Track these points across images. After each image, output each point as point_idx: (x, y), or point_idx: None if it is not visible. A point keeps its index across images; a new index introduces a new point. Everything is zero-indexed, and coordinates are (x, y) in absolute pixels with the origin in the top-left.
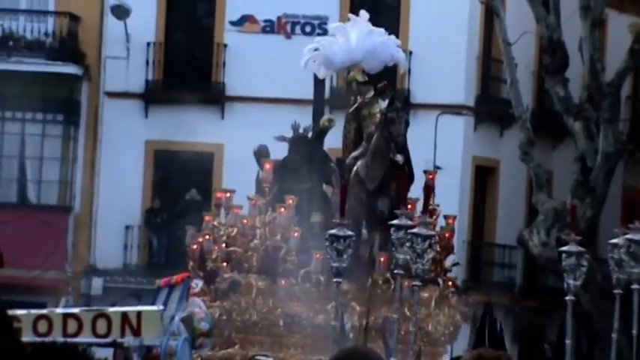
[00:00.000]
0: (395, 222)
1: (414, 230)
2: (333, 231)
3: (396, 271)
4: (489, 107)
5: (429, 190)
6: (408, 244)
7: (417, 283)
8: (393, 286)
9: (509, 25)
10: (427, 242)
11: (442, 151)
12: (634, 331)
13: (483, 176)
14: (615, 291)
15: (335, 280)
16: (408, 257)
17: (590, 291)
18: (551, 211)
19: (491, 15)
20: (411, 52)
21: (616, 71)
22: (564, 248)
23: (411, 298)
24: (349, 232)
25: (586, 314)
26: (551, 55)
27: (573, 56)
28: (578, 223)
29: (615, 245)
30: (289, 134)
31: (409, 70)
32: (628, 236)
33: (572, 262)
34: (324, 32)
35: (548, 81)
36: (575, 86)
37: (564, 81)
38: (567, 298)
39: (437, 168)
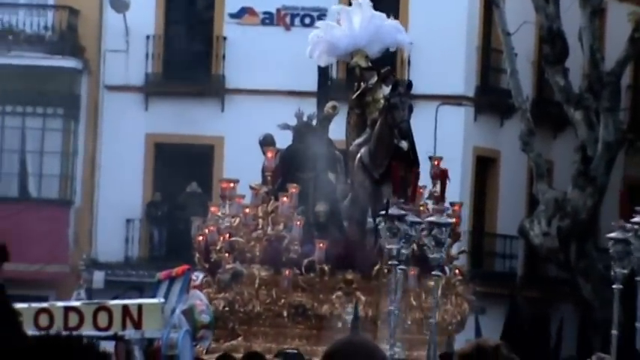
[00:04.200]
0: (387, 211)
1: (432, 219)
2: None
3: (390, 263)
4: (489, 97)
5: (443, 176)
6: (424, 233)
7: (437, 272)
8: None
9: (509, 15)
10: (446, 231)
11: (442, 141)
12: (638, 324)
13: (484, 166)
14: (614, 286)
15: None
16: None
17: (592, 281)
18: (552, 200)
19: (490, 5)
20: (410, 43)
21: (616, 60)
22: (611, 235)
23: (417, 287)
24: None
25: (587, 304)
26: (551, 44)
27: (573, 46)
28: (578, 212)
29: (614, 239)
30: (293, 123)
31: (409, 61)
32: (636, 219)
33: (620, 250)
34: None
35: (548, 71)
36: (575, 76)
37: (564, 71)
38: (615, 286)
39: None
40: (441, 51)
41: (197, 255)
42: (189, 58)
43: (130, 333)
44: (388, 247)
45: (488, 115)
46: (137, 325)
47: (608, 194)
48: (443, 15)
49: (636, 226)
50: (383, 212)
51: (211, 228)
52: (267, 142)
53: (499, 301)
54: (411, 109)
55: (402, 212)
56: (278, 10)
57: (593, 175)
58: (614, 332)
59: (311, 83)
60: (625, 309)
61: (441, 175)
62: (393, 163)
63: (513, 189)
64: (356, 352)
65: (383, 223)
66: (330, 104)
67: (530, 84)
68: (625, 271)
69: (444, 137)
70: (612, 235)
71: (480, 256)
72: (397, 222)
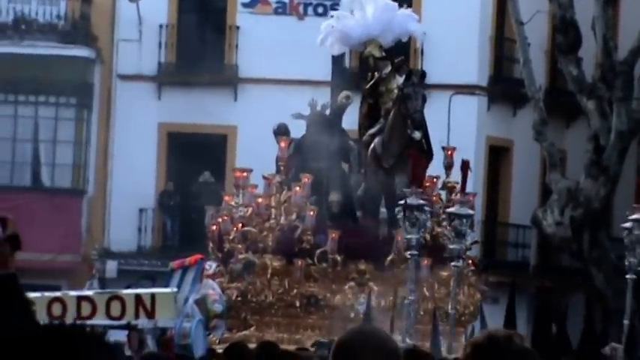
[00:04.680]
0: (404, 201)
1: (453, 209)
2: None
3: (409, 253)
4: (502, 87)
5: (465, 167)
6: (445, 223)
7: (457, 263)
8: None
9: (522, 4)
10: (467, 222)
11: (455, 131)
12: None
13: (497, 156)
14: (628, 276)
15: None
16: (419, 237)
17: (605, 270)
18: (565, 190)
19: None
20: (424, 33)
21: (629, 49)
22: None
23: (429, 277)
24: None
25: (600, 294)
26: (564, 34)
27: (586, 35)
28: (591, 202)
29: (628, 229)
30: (306, 112)
31: (422, 51)
32: None
33: (634, 239)
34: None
35: (561, 60)
36: (588, 65)
37: (577, 60)
38: (628, 276)
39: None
40: (454, 40)
41: (211, 244)
42: (202, 48)
43: (142, 322)
44: (407, 236)
45: (501, 104)
46: (150, 315)
47: (621, 183)
48: (456, 4)
49: None
50: (402, 202)
51: (225, 217)
52: (281, 131)
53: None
54: (424, 99)
55: (421, 202)
56: (291, 0)
57: (606, 165)
58: (626, 322)
59: (324, 72)
60: (638, 298)
61: (462, 167)
62: (411, 153)
63: (526, 178)
64: (367, 341)
65: (402, 213)
66: (343, 94)
67: (543, 73)
68: (637, 260)
69: (456, 127)
70: (627, 225)
71: (492, 246)
72: (416, 212)
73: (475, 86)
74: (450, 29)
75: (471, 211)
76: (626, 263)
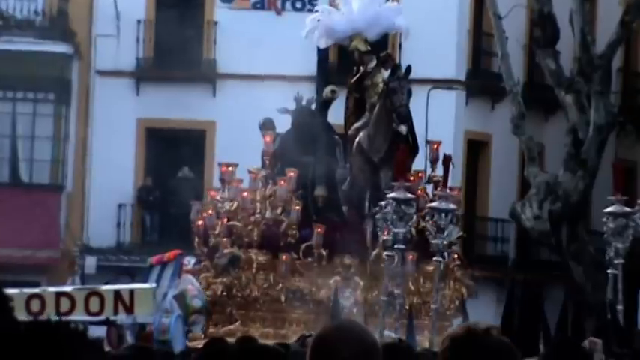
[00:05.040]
0: (392, 195)
1: (434, 204)
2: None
3: (396, 246)
4: (480, 81)
5: (447, 162)
6: (428, 218)
7: (438, 258)
8: (396, 261)
9: None
10: (449, 217)
11: (434, 125)
12: None
13: (475, 150)
14: (616, 261)
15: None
16: (406, 231)
17: (583, 264)
18: (543, 184)
19: None
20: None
21: (607, 43)
22: (609, 209)
23: (414, 272)
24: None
25: (579, 286)
26: (542, 28)
27: (564, 29)
28: (569, 195)
29: (611, 214)
30: (291, 107)
31: (400, 45)
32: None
33: (621, 224)
34: (314, 7)
35: (539, 54)
36: (566, 59)
37: (555, 54)
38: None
39: (427, 144)
40: (432, 35)
41: (196, 239)
42: (180, 43)
43: (121, 318)
44: (395, 230)
45: (480, 98)
46: (129, 310)
47: (599, 177)
48: None
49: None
50: (390, 196)
51: (210, 212)
52: (267, 126)
53: (491, 284)
54: (410, 94)
55: (409, 196)
56: None
57: (584, 158)
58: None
59: (302, 68)
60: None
61: (444, 161)
62: (399, 146)
63: (504, 172)
64: (345, 336)
65: (389, 207)
66: (329, 88)
67: (522, 67)
68: (622, 245)
69: (435, 121)
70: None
71: (471, 240)
72: (404, 206)
73: (453, 80)
74: (429, 23)
75: (452, 206)
76: (607, 257)
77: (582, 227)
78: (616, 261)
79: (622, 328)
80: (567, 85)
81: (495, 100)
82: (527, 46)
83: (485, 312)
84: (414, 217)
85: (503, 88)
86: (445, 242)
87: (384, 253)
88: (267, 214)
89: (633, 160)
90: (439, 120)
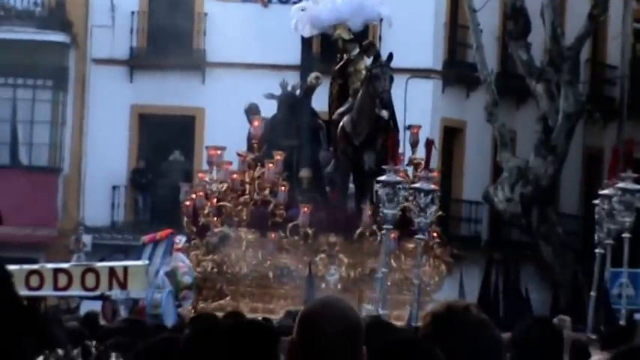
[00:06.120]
0: (383, 178)
1: (417, 185)
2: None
3: (385, 227)
4: (456, 71)
5: (429, 145)
6: (411, 198)
7: (420, 236)
8: (379, 239)
9: None
10: (430, 197)
11: (412, 112)
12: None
13: (451, 136)
14: (607, 241)
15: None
16: (396, 212)
17: (552, 244)
18: (515, 168)
19: None
20: (381, 20)
21: (576, 36)
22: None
23: (396, 250)
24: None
25: (548, 265)
26: (515, 21)
27: (535, 22)
28: (539, 179)
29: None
30: (277, 93)
31: (380, 37)
32: (620, 185)
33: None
34: (300, 1)
35: (512, 46)
36: (537, 50)
37: (527, 45)
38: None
39: (407, 128)
40: (410, 27)
41: (185, 219)
42: (171, 33)
43: (116, 293)
44: (385, 211)
45: (455, 87)
46: (123, 286)
47: (567, 162)
48: None
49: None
50: (380, 179)
51: (199, 193)
52: (252, 111)
53: (465, 263)
54: (391, 80)
55: (398, 179)
56: None
57: (554, 145)
58: (593, 293)
59: (286, 57)
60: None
61: (427, 145)
62: (389, 133)
63: (479, 157)
64: (329, 312)
65: (382, 190)
66: (313, 75)
67: (495, 58)
68: (618, 227)
69: (413, 108)
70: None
71: (447, 221)
72: (395, 188)
73: (430, 70)
74: (407, 16)
75: (433, 187)
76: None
77: (551, 209)
78: (606, 241)
79: (611, 308)
80: (538, 74)
81: (470, 89)
82: (500, 38)
83: (449, 289)
84: (401, 198)
85: (477, 78)
86: (427, 221)
87: (382, 231)
88: (256, 195)
89: (600, 146)
90: (417, 107)
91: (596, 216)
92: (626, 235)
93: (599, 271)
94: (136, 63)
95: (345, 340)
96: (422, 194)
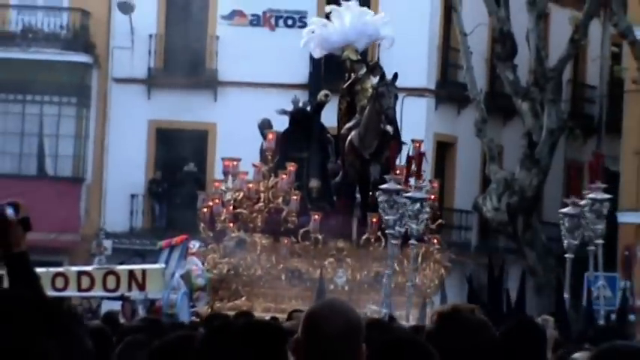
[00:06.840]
0: (384, 186)
1: (409, 194)
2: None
3: (387, 231)
4: (448, 90)
5: (420, 157)
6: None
7: (414, 241)
8: (383, 244)
9: (465, 18)
10: (418, 204)
11: (407, 128)
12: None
13: (443, 150)
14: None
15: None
16: (396, 218)
17: (536, 250)
18: (502, 180)
19: (449, 9)
20: (379, 45)
21: (558, 58)
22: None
23: (398, 254)
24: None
25: (532, 270)
26: (502, 44)
27: (521, 45)
28: (524, 190)
29: (566, 214)
30: (289, 108)
31: (378, 58)
32: (590, 195)
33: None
34: (304, 25)
35: (499, 67)
36: (522, 71)
37: (513, 67)
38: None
39: (403, 143)
40: (406, 49)
41: (202, 225)
42: (186, 55)
43: (134, 294)
44: (386, 217)
45: (447, 105)
46: (141, 287)
47: (550, 174)
48: (408, 18)
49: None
50: (382, 187)
51: (216, 201)
52: (265, 125)
53: (456, 268)
54: (396, 98)
55: (399, 187)
56: (264, 13)
57: (538, 158)
58: (566, 295)
59: (292, 76)
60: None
61: (417, 156)
62: (390, 144)
63: (469, 169)
64: (331, 313)
65: (382, 197)
66: (322, 92)
67: (484, 78)
68: (576, 242)
69: (408, 125)
70: (565, 210)
71: (439, 229)
72: (395, 195)
73: (424, 89)
74: (402, 39)
75: (424, 195)
76: (565, 243)
77: (535, 218)
78: (596, 241)
79: (592, 309)
80: (524, 94)
81: (461, 107)
82: (489, 60)
83: (449, 291)
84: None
85: (467, 97)
86: (418, 227)
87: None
88: (270, 203)
89: (580, 160)
90: (412, 123)
91: (565, 225)
92: (599, 241)
93: (570, 274)
94: (153, 82)
95: (345, 339)
96: (412, 202)
